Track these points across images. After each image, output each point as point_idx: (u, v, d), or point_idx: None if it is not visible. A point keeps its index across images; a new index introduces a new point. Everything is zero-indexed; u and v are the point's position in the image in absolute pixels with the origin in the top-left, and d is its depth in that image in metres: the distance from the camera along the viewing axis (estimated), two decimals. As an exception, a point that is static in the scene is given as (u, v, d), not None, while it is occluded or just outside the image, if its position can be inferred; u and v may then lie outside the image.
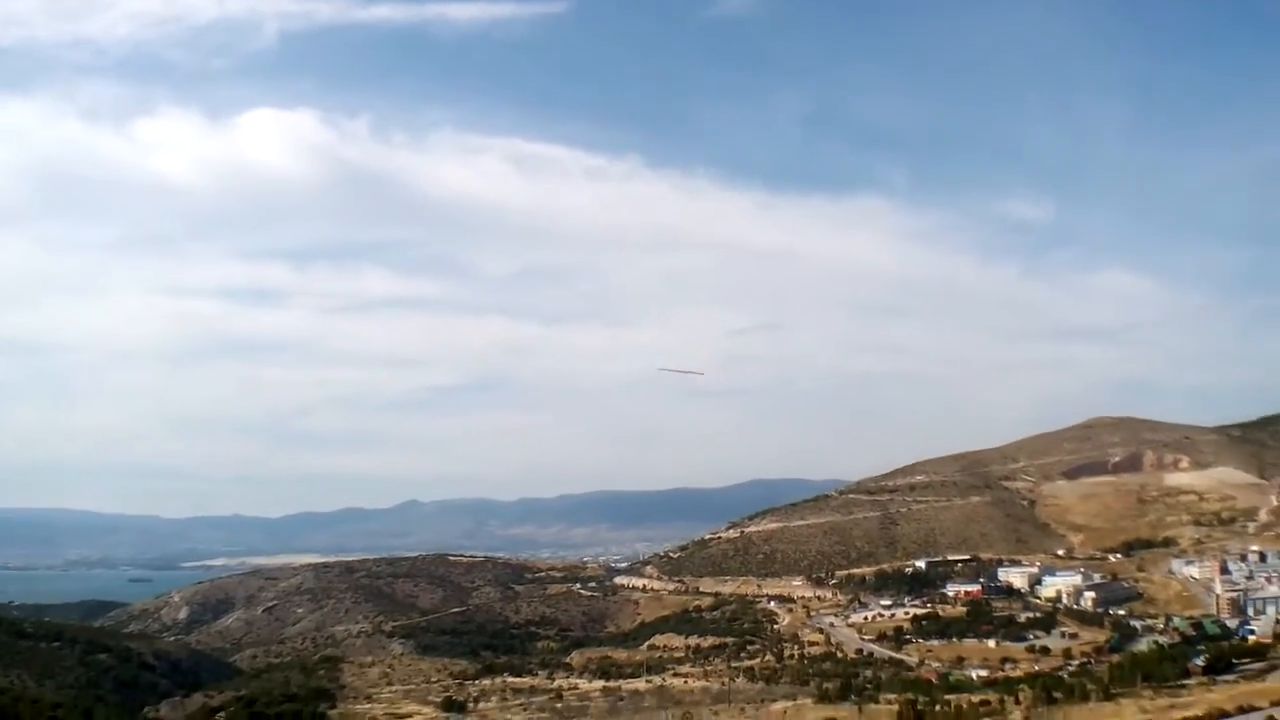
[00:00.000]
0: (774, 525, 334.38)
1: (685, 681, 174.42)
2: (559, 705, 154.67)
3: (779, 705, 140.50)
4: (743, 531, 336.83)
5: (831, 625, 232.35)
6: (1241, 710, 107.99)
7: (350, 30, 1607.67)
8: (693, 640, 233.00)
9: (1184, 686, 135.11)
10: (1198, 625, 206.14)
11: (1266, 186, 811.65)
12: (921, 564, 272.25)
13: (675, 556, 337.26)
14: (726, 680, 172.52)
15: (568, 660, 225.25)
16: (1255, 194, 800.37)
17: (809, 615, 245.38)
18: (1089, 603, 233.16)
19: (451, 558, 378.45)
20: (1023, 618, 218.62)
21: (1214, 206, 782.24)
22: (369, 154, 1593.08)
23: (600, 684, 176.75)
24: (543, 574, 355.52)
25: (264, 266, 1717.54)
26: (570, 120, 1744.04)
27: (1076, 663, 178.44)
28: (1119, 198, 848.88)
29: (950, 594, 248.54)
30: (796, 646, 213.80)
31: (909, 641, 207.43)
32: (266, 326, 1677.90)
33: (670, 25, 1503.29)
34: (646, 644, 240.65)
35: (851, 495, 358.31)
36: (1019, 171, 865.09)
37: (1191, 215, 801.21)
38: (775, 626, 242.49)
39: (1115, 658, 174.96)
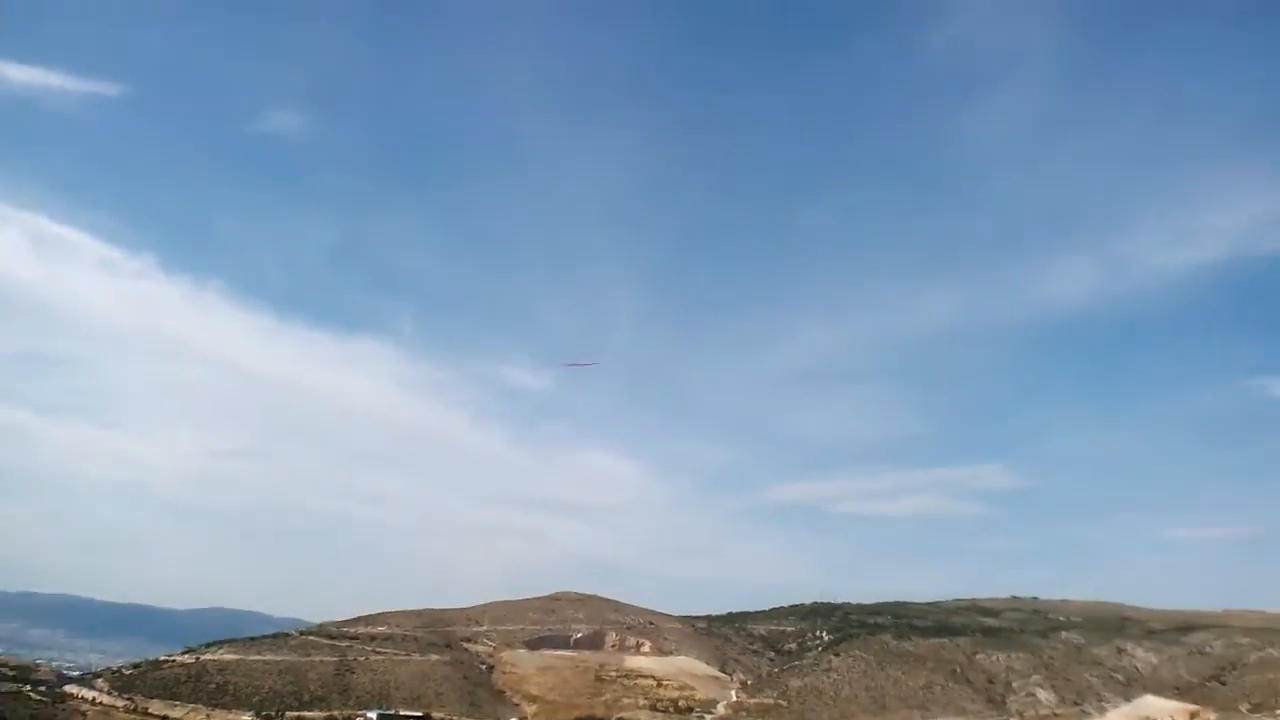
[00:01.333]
0: (231, 656, 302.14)
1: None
2: None
3: None
4: (198, 658, 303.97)
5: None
6: None
7: None
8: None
9: None
10: None
11: (755, 392, 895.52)
12: (373, 715, 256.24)
13: (128, 673, 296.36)
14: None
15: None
16: (744, 398, 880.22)
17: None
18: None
19: None
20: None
21: (706, 406, 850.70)
22: None
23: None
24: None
25: None
26: (96, 206, 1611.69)
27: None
28: (618, 383, 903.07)
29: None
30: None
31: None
32: None
33: (214, 130, 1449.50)
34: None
35: (311, 637, 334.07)
36: (523, 339, 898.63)
37: (684, 411, 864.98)
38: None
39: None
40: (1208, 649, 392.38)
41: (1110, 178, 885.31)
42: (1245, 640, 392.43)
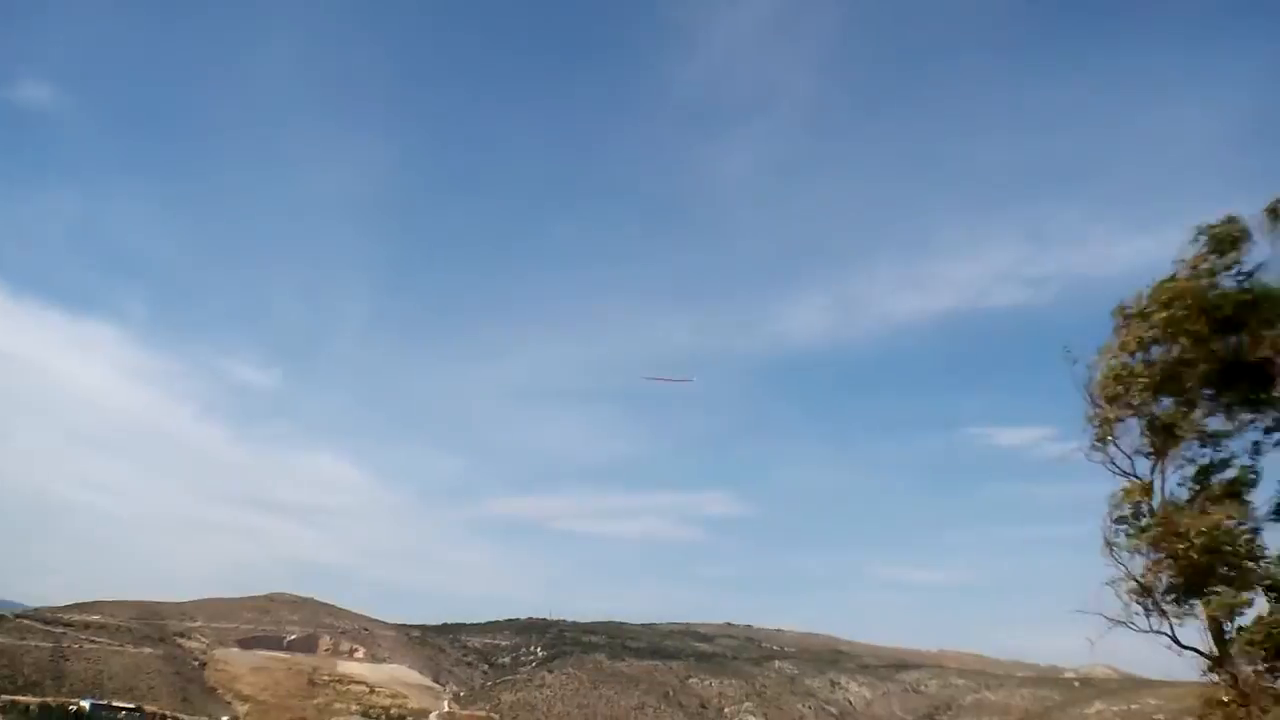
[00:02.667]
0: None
1: None
2: None
3: None
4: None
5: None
6: None
7: None
8: None
9: None
10: None
11: (482, 404, 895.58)
12: (86, 704, 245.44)
13: None
14: None
15: None
16: (471, 409, 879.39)
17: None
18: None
19: None
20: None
21: (433, 414, 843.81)
22: None
23: None
24: None
25: None
26: None
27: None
28: (345, 387, 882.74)
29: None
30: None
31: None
32: None
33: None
34: None
35: (27, 620, 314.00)
36: (255, 333, 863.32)
37: (411, 418, 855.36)
38: None
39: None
40: (923, 688, 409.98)
41: (850, 221, 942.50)
42: (961, 681, 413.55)
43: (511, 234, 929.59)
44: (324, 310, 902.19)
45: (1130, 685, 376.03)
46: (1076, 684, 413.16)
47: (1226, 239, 15.64)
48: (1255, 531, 15.90)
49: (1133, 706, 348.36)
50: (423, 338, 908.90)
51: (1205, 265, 15.86)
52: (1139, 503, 16.21)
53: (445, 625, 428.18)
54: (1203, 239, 15.88)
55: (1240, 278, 15.74)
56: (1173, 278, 15.98)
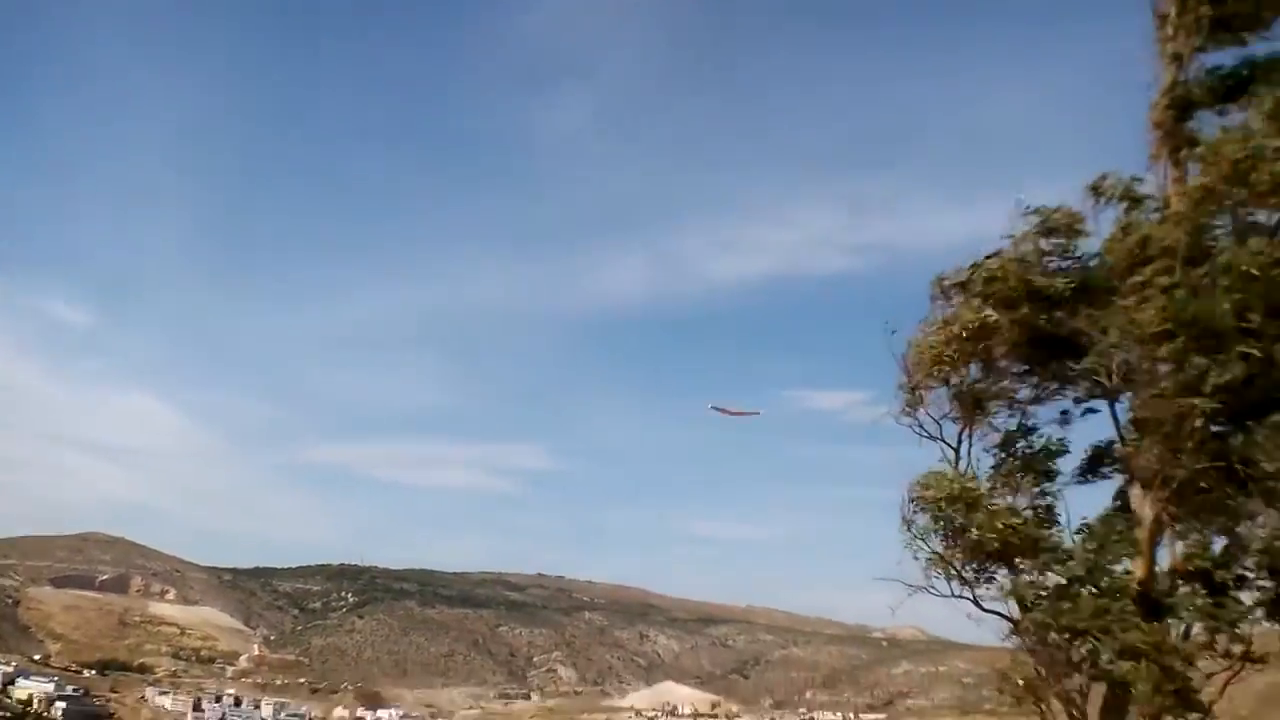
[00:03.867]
0: None
1: None
2: None
3: None
4: None
5: None
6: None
7: None
8: None
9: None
10: None
11: (300, 348, 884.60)
12: None
13: None
14: None
15: None
16: (289, 354, 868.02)
17: None
18: (59, 713, 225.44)
19: None
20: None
21: (251, 357, 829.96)
22: None
23: None
24: None
25: None
26: None
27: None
28: (163, 327, 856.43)
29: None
30: None
31: None
32: None
33: None
34: None
35: None
36: (68, 271, 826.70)
37: (228, 360, 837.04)
38: None
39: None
40: (730, 642, 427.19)
41: (672, 182, 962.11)
42: (769, 637, 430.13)
43: (332, 177, 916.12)
44: (139, 248, 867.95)
45: (938, 647, 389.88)
46: (884, 644, 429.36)
47: (1058, 223, 15.19)
48: (1051, 508, 15.58)
49: (940, 668, 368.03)
50: (240, 279, 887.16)
51: (1032, 246, 15.38)
52: (937, 486, 15.45)
53: (257, 569, 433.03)
54: (1033, 219, 15.29)
55: (1068, 262, 15.38)
56: (998, 253, 15.48)
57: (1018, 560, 14.36)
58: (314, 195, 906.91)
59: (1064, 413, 15.07)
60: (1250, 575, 13.58)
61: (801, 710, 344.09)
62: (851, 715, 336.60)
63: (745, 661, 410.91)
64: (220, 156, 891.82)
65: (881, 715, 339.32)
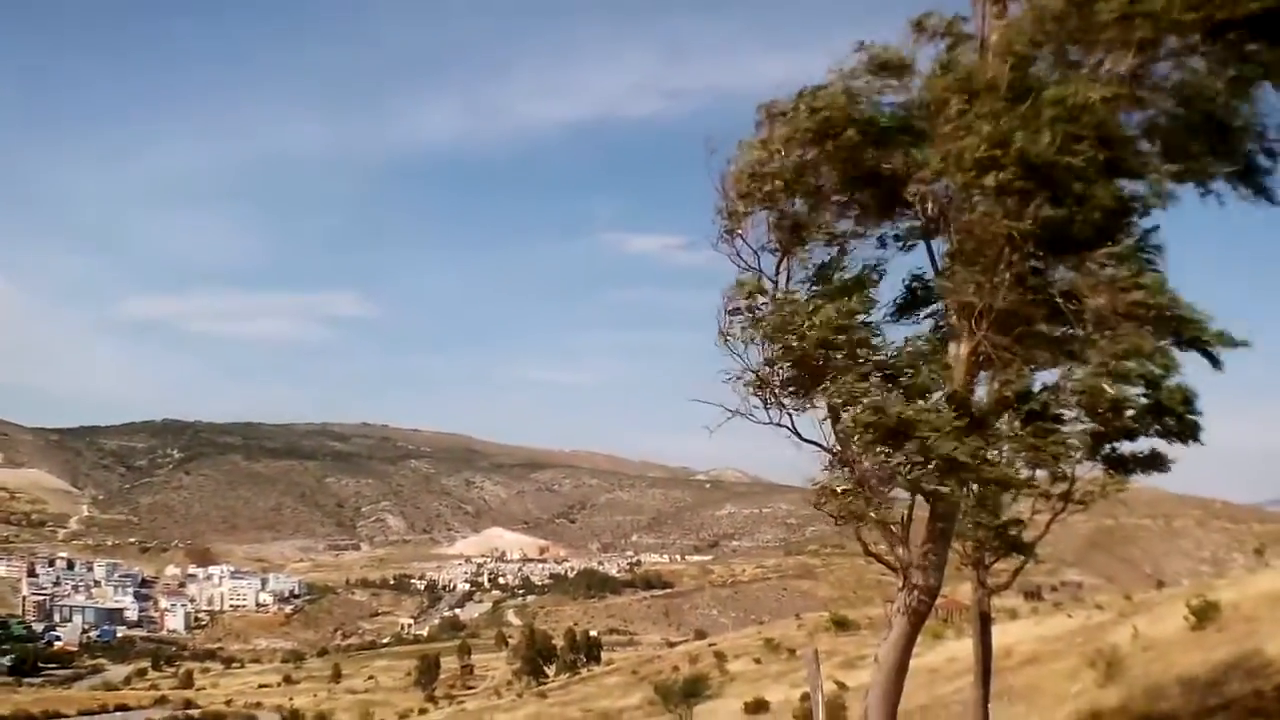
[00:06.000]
0: None
1: None
2: None
3: None
4: None
5: None
6: (48, 715, 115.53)
7: None
8: None
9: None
10: (3, 624, 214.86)
11: (114, 202, 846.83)
12: None
13: None
14: None
15: None
16: (103, 207, 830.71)
17: None
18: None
19: None
20: None
21: (63, 212, 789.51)
22: None
23: None
24: None
25: None
26: None
27: None
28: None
29: None
30: None
31: None
32: None
33: None
34: None
35: None
36: None
37: (40, 217, 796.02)
38: None
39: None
40: (556, 487, 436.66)
41: (490, 26, 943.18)
42: (594, 482, 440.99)
43: (146, 28, 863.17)
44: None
45: (761, 489, 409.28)
46: (708, 486, 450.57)
47: (889, 62, 13.00)
48: (872, 326, 13.31)
49: (764, 510, 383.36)
50: (48, 132, 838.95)
51: (861, 82, 13.14)
52: (755, 294, 13.32)
53: (82, 429, 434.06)
54: (864, 56, 12.96)
55: (900, 98, 13.09)
56: (825, 86, 13.06)
57: (836, 378, 12.84)
58: (126, 47, 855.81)
59: (880, 240, 14.24)
60: (1069, 414, 13.05)
61: (628, 553, 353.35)
62: (678, 557, 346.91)
63: (572, 506, 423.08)
64: (30, 6, 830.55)
65: (707, 556, 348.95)
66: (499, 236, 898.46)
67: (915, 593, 12.27)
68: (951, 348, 12.73)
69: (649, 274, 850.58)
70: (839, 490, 12.48)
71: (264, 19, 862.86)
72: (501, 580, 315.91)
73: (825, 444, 12.71)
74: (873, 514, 12.24)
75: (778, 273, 13.28)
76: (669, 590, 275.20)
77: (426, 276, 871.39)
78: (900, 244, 13.71)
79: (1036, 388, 13.11)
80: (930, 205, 12.76)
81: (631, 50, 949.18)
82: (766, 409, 12.76)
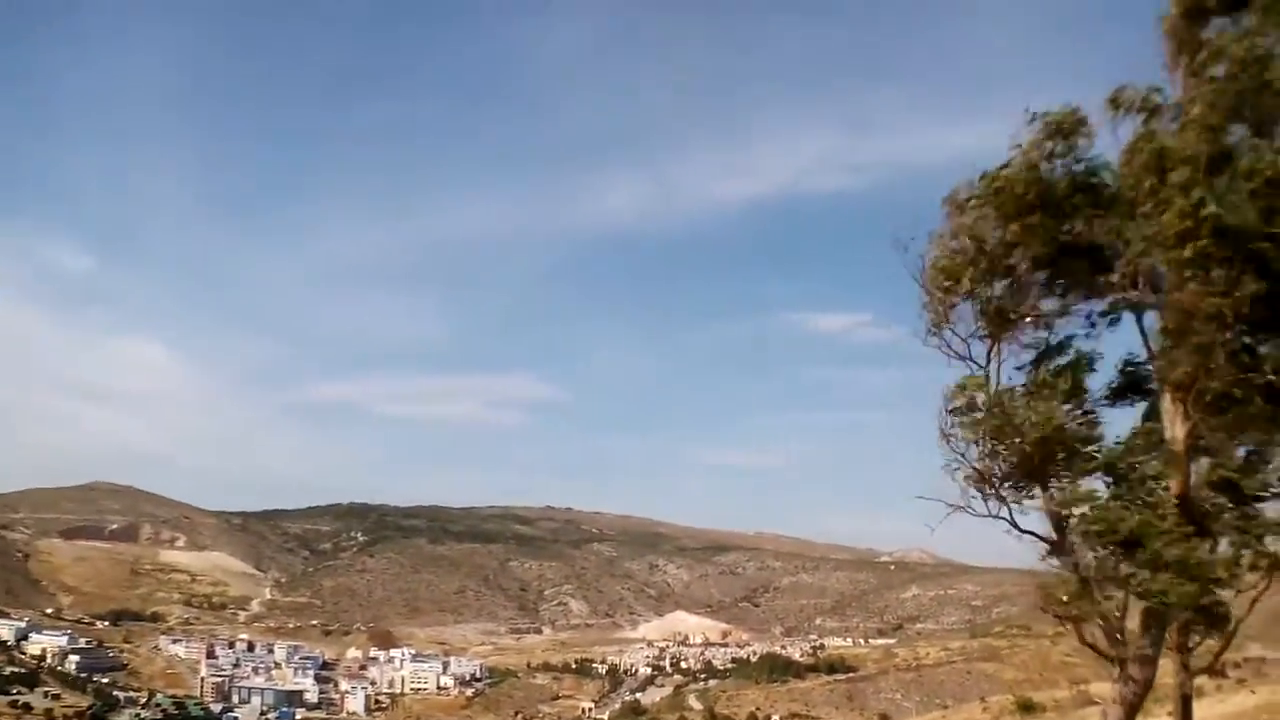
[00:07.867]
0: None
1: None
2: None
3: None
4: None
5: None
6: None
7: None
8: None
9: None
10: (180, 704, 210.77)
11: (298, 286, 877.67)
12: None
13: None
14: None
15: None
16: (288, 292, 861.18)
17: None
18: (73, 666, 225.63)
19: None
20: (7, 671, 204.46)
21: (250, 298, 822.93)
22: None
23: None
24: None
25: None
26: None
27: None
28: (164, 270, 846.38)
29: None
30: None
31: None
32: None
33: None
34: None
35: None
36: (67, 218, 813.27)
37: (228, 302, 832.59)
38: None
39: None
40: (739, 570, 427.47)
41: (669, 103, 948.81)
42: (777, 564, 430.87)
43: (329, 113, 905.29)
44: (136, 193, 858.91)
45: (946, 570, 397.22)
46: (892, 568, 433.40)
47: (1064, 126, 14.43)
48: (1090, 416, 15.12)
49: (949, 591, 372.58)
50: (239, 219, 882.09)
51: (1040, 151, 14.61)
52: (974, 394, 15.18)
53: (266, 512, 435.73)
54: (1038, 124, 14.51)
55: (1077, 165, 14.59)
56: (1006, 164, 14.76)
57: (1057, 475, 14.06)
58: (311, 132, 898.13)
59: (1089, 318, 14.53)
60: (1275, 489, 13.39)
61: (811, 636, 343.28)
62: (861, 640, 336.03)
63: (755, 589, 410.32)
64: (217, 99, 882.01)
65: (891, 639, 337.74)
66: (677, 316, 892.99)
67: (1130, 684, 13.15)
68: (1167, 432, 13.30)
69: (833, 352, 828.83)
70: (1064, 598, 13.62)
71: (447, 100, 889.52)
72: (683, 664, 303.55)
73: (1044, 535, 13.92)
74: (1096, 613, 13.30)
75: (989, 361, 14.51)
76: (852, 674, 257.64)
77: (608, 357, 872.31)
78: (1108, 320, 14.34)
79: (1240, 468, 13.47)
80: (1137, 281, 13.16)
81: (811, 125, 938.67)
82: (985, 501, 14.04)
